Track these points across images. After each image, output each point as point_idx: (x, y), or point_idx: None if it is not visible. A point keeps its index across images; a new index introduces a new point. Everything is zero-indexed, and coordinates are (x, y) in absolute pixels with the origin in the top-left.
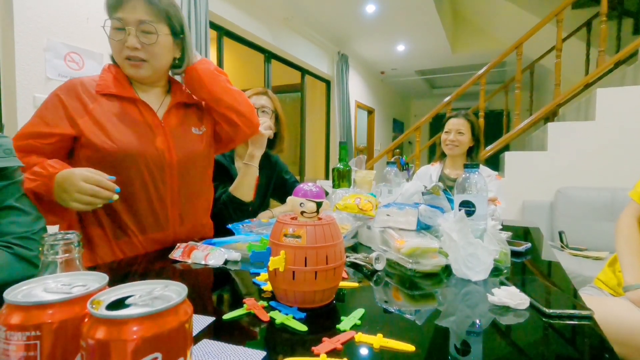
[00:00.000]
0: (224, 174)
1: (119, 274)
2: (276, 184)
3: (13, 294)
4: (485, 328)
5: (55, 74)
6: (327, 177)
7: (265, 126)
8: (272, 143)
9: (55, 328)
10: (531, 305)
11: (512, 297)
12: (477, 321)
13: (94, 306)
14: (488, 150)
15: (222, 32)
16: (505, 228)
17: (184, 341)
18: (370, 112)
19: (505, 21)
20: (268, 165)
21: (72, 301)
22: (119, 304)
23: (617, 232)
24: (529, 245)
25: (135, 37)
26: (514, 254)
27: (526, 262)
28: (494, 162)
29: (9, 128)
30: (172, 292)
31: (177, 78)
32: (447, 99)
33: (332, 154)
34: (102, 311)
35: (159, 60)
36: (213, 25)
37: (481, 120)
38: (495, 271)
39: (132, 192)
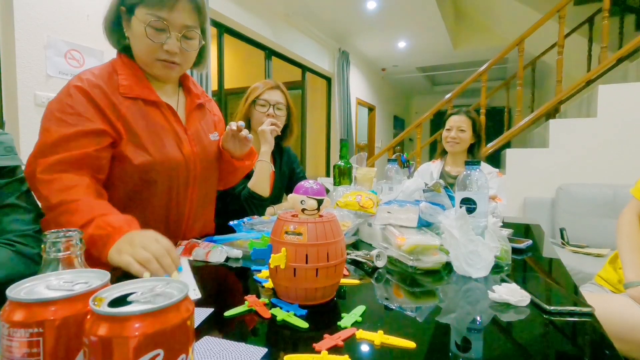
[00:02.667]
0: None
1: (121, 271)
2: (290, 176)
3: (16, 291)
4: (486, 325)
5: (56, 72)
6: (327, 175)
7: (268, 122)
8: (283, 135)
9: (58, 325)
10: (532, 302)
11: (513, 294)
12: (478, 318)
13: (96, 303)
14: (489, 147)
15: (223, 29)
16: (506, 225)
17: (185, 338)
18: (371, 109)
19: (507, 17)
20: (282, 158)
21: (74, 298)
22: (121, 301)
23: (618, 229)
24: (529, 242)
25: (178, 41)
26: (515, 251)
27: (527, 259)
28: (495, 159)
29: (10, 126)
30: (174, 289)
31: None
32: (448, 95)
33: (332, 151)
34: (104, 308)
35: (189, 65)
36: (214, 22)
37: (482, 117)
38: (496, 268)
39: (157, 195)
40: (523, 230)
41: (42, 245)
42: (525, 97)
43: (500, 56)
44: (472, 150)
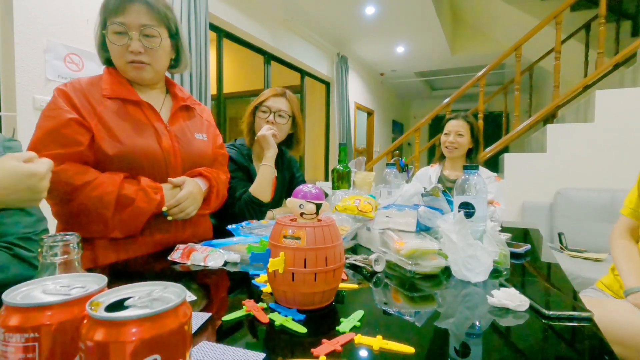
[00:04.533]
0: (243, 173)
1: (118, 275)
2: (290, 180)
3: (11, 296)
4: (485, 330)
5: (55, 75)
6: (326, 179)
7: (266, 128)
8: (289, 144)
9: (54, 330)
10: (531, 307)
11: (512, 298)
12: (477, 323)
13: (92, 308)
14: (487, 151)
15: (222, 34)
16: (504, 229)
17: (183, 343)
18: (369, 113)
19: (504, 23)
20: (282, 163)
21: (70, 303)
22: (118, 305)
23: (611, 243)
24: (528, 246)
25: (139, 41)
26: (514, 255)
27: (526, 264)
28: (494, 164)
29: (8, 129)
30: (172, 293)
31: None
32: (446, 100)
33: (331, 156)
34: (101, 313)
35: (161, 63)
36: (213, 27)
37: (480, 122)
38: (495, 273)
39: None
40: (521, 234)
41: (39, 249)
42: (522, 102)
43: (497, 62)
44: (470, 154)
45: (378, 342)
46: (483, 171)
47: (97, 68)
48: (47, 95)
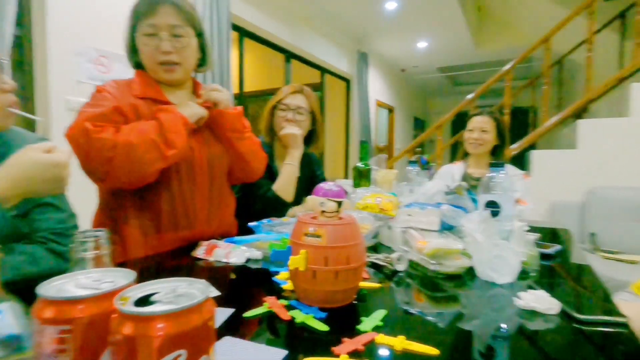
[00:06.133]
0: (266, 170)
1: (143, 270)
2: (310, 178)
3: (46, 289)
4: (512, 333)
5: (86, 77)
6: (346, 176)
7: (293, 127)
8: (308, 141)
9: (86, 322)
10: (561, 311)
11: (541, 301)
12: (503, 325)
13: (121, 302)
14: (514, 148)
15: (243, 33)
16: (532, 229)
17: (207, 338)
18: (390, 110)
19: (532, 14)
20: (303, 161)
21: (101, 297)
22: (145, 300)
23: None
24: (558, 247)
25: (169, 41)
26: (543, 256)
27: (555, 265)
28: (520, 161)
29: (43, 131)
30: (196, 289)
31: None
32: (470, 96)
33: (351, 153)
34: (130, 307)
35: (190, 63)
36: (234, 27)
37: (506, 118)
38: (522, 274)
39: (165, 190)
40: (550, 235)
41: (72, 245)
42: (551, 97)
43: (525, 55)
44: (495, 151)
45: (400, 343)
46: (510, 169)
47: (124, 69)
48: (79, 97)
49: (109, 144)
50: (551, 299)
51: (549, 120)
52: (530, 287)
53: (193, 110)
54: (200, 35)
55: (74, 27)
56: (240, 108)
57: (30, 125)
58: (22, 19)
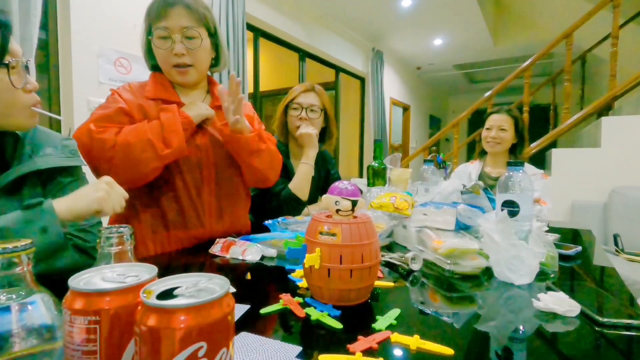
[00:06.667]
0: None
1: (164, 266)
2: (325, 177)
3: (76, 281)
4: (530, 335)
5: (107, 79)
6: (360, 175)
7: (308, 126)
8: (321, 138)
9: (112, 314)
10: (582, 313)
11: (561, 303)
12: (521, 327)
13: (145, 295)
14: (533, 147)
15: (258, 33)
16: (552, 230)
17: (226, 332)
18: (405, 108)
19: (553, 8)
20: (318, 160)
21: (126, 290)
22: (167, 294)
23: None
24: (579, 248)
25: (181, 43)
26: (563, 257)
27: (576, 267)
28: (539, 160)
29: (66, 130)
30: (216, 284)
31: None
32: (487, 93)
33: (366, 152)
34: (153, 300)
35: (203, 64)
36: (249, 27)
37: (525, 116)
38: (541, 275)
39: (173, 189)
40: (571, 235)
41: (97, 240)
42: (573, 94)
43: (545, 50)
44: (514, 150)
45: (415, 342)
46: (528, 168)
47: (143, 70)
48: (100, 97)
49: (109, 143)
50: (571, 301)
51: (571, 117)
52: (549, 289)
53: (198, 111)
54: (213, 35)
55: (95, 30)
56: (257, 129)
57: (56, 125)
58: (47, 24)
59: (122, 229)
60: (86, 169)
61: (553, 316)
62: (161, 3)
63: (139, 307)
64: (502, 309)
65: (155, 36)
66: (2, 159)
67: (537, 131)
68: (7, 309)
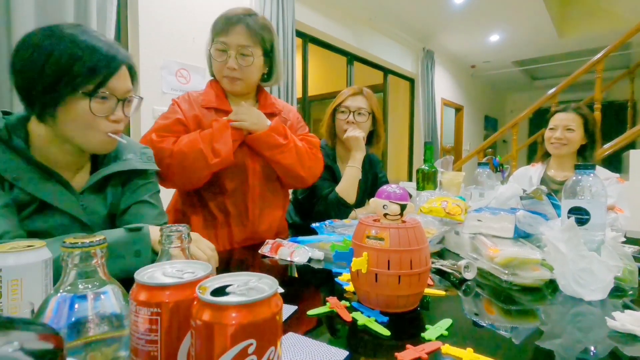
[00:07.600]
0: (328, 172)
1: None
2: (373, 180)
3: (140, 275)
4: (603, 357)
5: (169, 89)
6: (409, 179)
7: (356, 130)
8: (369, 141)
9: (171, 307)
10: None
11: None
12: (592, 348)
13: (201, 291)
14: (606, 148)
15: (307, 39)
16: (630, 241)
17: (275, 331)
18: (458, 109)
19: None
20: (366, 163)
21: (184, 285)
22: (220, 291)
23: None
24: None
25: (235, 59)
26: None
27: None
28: (614, 163)
29: (134, 137)
30: (265, 284)
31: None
32: (551, 90)
33: (415, 155)
34: (208, 296)
35: (252, 79)
36: (298, 33)
37: (597, 114)
38: (617, 291)
39: (221, 192)
40: None
41: (159, 238)
42: None
43: (621, 41)
44: (583, 152)
45: (469, 355)
46: (601, 171)
47: (201, 80)
48: (163, 106)
49: (167, 152)
50: None
51: None
52: (627, 307)
53: (255, 121)
54: (268, 53)
55: (159, 44)
56: (274, 123)
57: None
58: (119, 38)
59: (180, 227)
60: None
61: (631, 338)
62: (226, 20)
63: (195, 302)
64: (569, 327)
65: (214, 48)
66: (94, 162)
67: (611, 131)
68: (84, 297)
